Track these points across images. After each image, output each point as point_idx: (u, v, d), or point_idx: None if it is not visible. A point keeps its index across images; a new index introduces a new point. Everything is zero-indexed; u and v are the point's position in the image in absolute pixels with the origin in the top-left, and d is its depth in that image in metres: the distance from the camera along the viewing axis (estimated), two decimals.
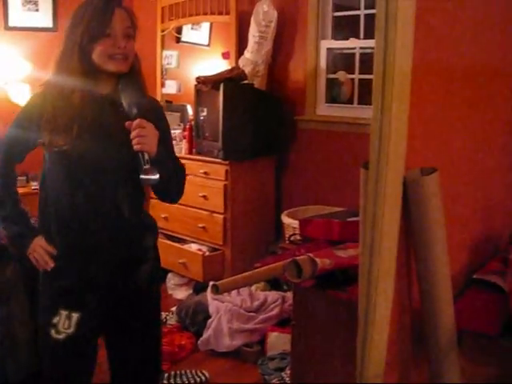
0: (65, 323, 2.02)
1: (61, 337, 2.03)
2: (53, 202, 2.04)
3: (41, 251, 2.06)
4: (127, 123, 1.88)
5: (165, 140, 2.02)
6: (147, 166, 1.84)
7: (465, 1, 1.73)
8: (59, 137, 1.92)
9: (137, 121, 1.87)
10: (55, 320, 2.02)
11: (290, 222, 3.75)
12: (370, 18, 4.10)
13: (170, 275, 4.64)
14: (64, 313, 2.02)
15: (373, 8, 3.98)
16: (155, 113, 2.08)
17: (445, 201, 1.49)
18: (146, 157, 1.85)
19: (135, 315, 2.15)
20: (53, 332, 2.03)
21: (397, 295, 1.50)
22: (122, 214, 2.03)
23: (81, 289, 2.05)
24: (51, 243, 2.06)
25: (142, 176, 1.86)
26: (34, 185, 4.45)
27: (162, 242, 4.64)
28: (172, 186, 2.10)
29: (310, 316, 2.14)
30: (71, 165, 1.97)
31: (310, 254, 1.91)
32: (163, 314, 4.05)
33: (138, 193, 2.10)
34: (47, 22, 5.10)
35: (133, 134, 1.86)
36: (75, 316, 2.02)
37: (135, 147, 1.85)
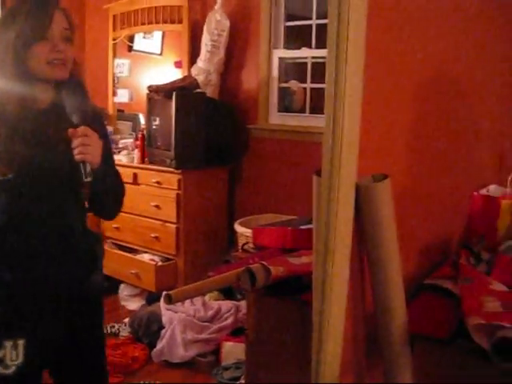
0: (12, 354, 1.81)
1: (10, 371, 1.80)
2: None
3: None
4: (70, 130, 1.72)
5: (105, 151, 1.85)
6: (88, 179, 1.73)
7: (413, 13, 1.77)
8: (1, 165, 1.73)
9: (81, 128, 1.72)
10: (0, 354, 1.80)
11: (242, 230, 3.75)
12: (321, 28, 4.15)
13: (122, 286, 4.58)
14: (9, 344, 1.80)
15: (324, 18, 4.04)
16: (98, 121, 1.95)
17: (396, 206, 1.51)
18: (88, 169, 1.72)
19: (84, 327, 1.99)
20: (0, 369, 1.80)
21: (351, 300, 1.51)
22: (71, 229, 1.89)
23: (25, 311, 1.85)
24: None
25: (84, 190, 1.78)
26: None
27: (113, 252, 4.60)
28: (111, 203, 1.99)
29: (264, 324, 2.14)
30: (15, 190, 1.78)
31: (264, 262, 1.91)
32: (116, 326, 4.00)
33: (82, 204, 1.95)
34: None
35: (75, 142, 1.72)
36: (21, 343, 1.81)
37: (77, 157, 1.71)
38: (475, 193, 2.23)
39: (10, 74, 1.76)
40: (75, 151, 1.71)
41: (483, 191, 2.28)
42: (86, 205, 1.97)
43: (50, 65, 1.76)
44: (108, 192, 1.91)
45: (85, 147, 1.72)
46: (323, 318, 1.46)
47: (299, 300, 1.90)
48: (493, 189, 2.33)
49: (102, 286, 2.12)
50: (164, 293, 2.23)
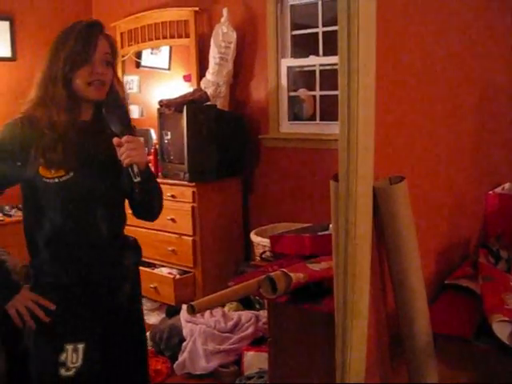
0: (72, 358, 1.95)
1: (71, 373, 1.95)
2: (42, 231, 1.98)
3: (32, 306, 1.95)
4: (115, 140, 1.90)
5: None
6: (138, 179, 1.87)
7: (426, 5, 1.78)
8: (55, 168, 1.91)
9: (124, 137, 1.89)
10: (63, 357, 1.94)
11: (259, 240, 3.76)
12: (328, 36, 4.17)
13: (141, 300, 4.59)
14: (70, 347, 1.95)
15: (331, 25, 4.06)
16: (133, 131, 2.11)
17: (414, 208, 1.52)
18: (136, 169, 1.87)
19: (118, 335, 2.11)
20: (62, 371, 1.94)
21: (373, 303, 1.52)
22: (112, 234, 2.05)
23: (83, 314, 2.01)
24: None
25: (134, 190, 1.91)
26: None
27: None
28: (156, 202, 2.14)
29: (286, 331, 2.15)
30: (63, 194, 1.95)
31: (284, 269, 1.92)
32: None
33: (120, 213, 2.13)
34: (6, 51, 5.06)
35: (122, 149, 1.88)
36: (81, 347, 1.96)
37: (125, 161, 1.87)
38: (491, 192, 2.23)
39: (59, 92, 1.94)
40: (122, 157, 1.88)
41: (498, 190, 2.28)
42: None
43: (89, 86, 1.95)
44: (155, 191, 2.10)
45: (131, 151, 1.87)
46: (346, 323, 1.46)
47: (322, 305, 1.91)
48: (508, 187, 2.33)
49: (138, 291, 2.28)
50: (183, 306, 2.25)
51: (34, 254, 2.04)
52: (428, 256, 1.79)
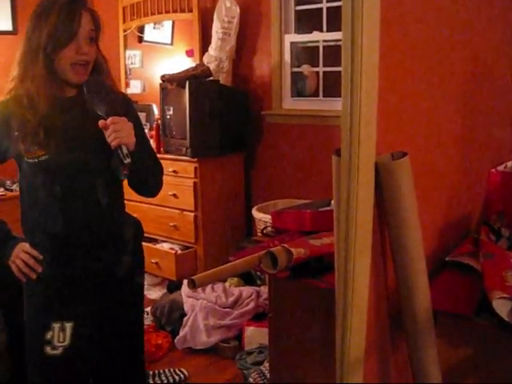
0: (60, 336, 1.94)
1: (57, 352, 1.94)
2: (35, 209, 1.98)
3: (25, 257, 1.98)
4: (100, 122, 1.84)
5: (138, 134, 1.97)
6: (128, 160, 1.83)
7: None
8: (37, 147, 1.88)
9: (109, 119, 1.84)
10: (49, 335, 1.94)
11: (261, 216, 3.77)
12: (332, 11, 4.14)
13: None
14: (57, 325, 1.94)
15: (335, 1, 4.02)
16: (125, 107, 2.06)
17: (415, 184, 1.52)
18: (125, 150, 1.83)
19: (116, 309, 2.10)
20: (48, 349, 1.94)
21: (373, 279, 1.52)
22: (104, 212, 2.01)
23: (70, 295, 1.99)
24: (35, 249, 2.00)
25: (123, 172, 1.85)
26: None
27: None
28: (151, 179, 2.11)
29: (287, 307, 2.15)
30: (51, 172, 1.92)
31: (285, 245, 1.92)
32: None
33: (117, 189, 2.09)
34: (7, 24, 5.02)
35: (108, 132, 1.83)
36: (69, 326, 1.95)
37: (113, 143, 1.83)
38: (493, 170, 2.22)
39: (39, 73, 1.87)
40: (110, 139, 1.83)
41: (501, 168, 2.27)
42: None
43: (73, 67, 1.89)
44: (147, 170, 2.04)
45: (117, 132, 1.83)
46: (346, 297, 1.47)
47: (322, 281, 1.91)
48: (511, 165, 2.32)
49: (137, 269, 2.21)
50: (185, 280, 2.25)
51: (26, 230, 2.05)
52: (430, 232, 1.78)
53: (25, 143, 1.88)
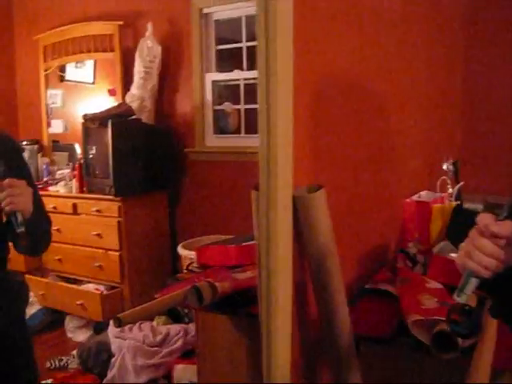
0: None
1: None
2: None
3: None
4: None
5: (30, 185, 1.77)
6: (22, 229, 1.66)
7: (336, 28, 1.86)
8: None
9: (6, 181, 1.66)
10: None
11: (186, 253, 3.76)
12: (252, 50, 4.24)
13: (68, 318, 4.53)
14: None
15: (254, 40, 4.13)
16: (13, 153, 1.87)
17: (333, 216, 1.58)
18: (20, 218, 1.66)
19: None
20: None
21: (296, 308, 1.56)
22: None
23: None
24: None
25: (22, 243, 1.72)
26: None
27: (57, 284, 4.55)
28: (42, 243, 1.93)
29: (214, 340, 2.17)
30: None
31: (210, 279, 1.95)
32: (64, 359, 3.95)
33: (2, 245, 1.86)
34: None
35: (3, 194, 1.65)
36: None
37: (7, 208, 1.65)
38: (408, 199, 2.33)
39: None
40: (4, 203, 1.66)
41: (415, 197, 2.38)
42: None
43: None
44: (40, 234, 1.86)
45: (14, 197, 1.66)
46: (271, 328, 1.50)
47: (247, 313, 1.95)
48: (424, 194, 2.44)
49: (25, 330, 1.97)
50: (111, 321, 2.20)
51: None
52: (348, 262, 1.85)
53: None
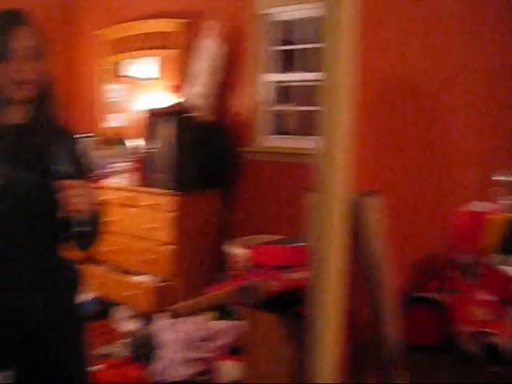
0: None
1: None
2: None
3: None
4: (58, 183, 1.68)
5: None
6: (77, 229, 1.69)
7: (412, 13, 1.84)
8: None
9: (67, 182, 1.68)
10: None
11: (237, 251, 3.79)
12: (313, 52, 4.24)
13: (120, 308, 4.62)
14: None
15: (316, 42, 4.13)
16: (73, 147, 1.90)
17: (387, 222, 1.58)
18: (77, 219, 1.68)
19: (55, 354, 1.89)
20: None
21: (347, 312, 1.57)
22: (39, 257, 1.83)
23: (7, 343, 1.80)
24: None
25: (73, 239, 1.76)
26: None
27: (110, 274, 4.64)
28: (92, 241, 1.93)
29: (261, 339, 2.19)
30: None
31: (260, 278, 1.96)
32: (113, 347, 4.02)
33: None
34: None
35: (63, 194, 1.68)
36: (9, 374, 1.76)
37: (65, 209, 1.68)
38: (460, 209, 2.30)
39: None
40: (63, 203, 1.68)
41: (468, 207, 2.35)
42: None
43: (15, 85, 1.75)
44: (92, 234, 1.86)
45: (72, 198, 1.68)
46: (319, 327, 1.51)
47: (295, 313, 1.96)
48: (477, 204, 2.40)
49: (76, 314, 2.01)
50: (163, 313, 2.24)
51: None
52: (399, 269, 1.84)
53: None
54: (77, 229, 1.69)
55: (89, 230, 1.74)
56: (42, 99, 1.83)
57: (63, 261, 1.95)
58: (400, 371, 1.60)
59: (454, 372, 1.62)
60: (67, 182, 1.68)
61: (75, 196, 1.68)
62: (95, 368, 3.64)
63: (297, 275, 2.07)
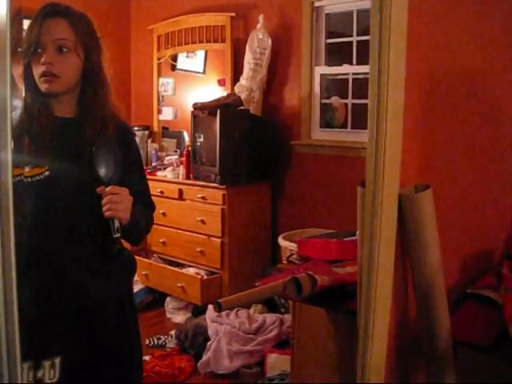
0: (50, 374, 1.77)
1: None
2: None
3: None
4: (99, 189, 1.71)
5: (135, 171, 1.90)
6: (117, 235, 1.71)
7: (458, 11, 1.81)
8: (35, 165, 1.74)
9: (109, 188, 1.70)
10: (40, 374, 1.75)
11: (286, 244, 3.79)
12: (362, 45, 4.21)
13: (168, 299, 4.68)
14: (47, 363, 1.76)
15: (365, 35, 4.10)
16: (124, 142, 1.90)
17: (438, 217, 1.56)
18: (117, 224, 1.70)
19: (107, 340, 1.91)
20: None
21: (395, 308, 1.56)
22: (94, 241, 1.84)
23: (58, 330, 1.81)
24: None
25: (115, 245, 1.78)
26: None
27: (159, 266, 4.71)
28: (140, 238, 1.99)
29: (310, 333, 2.19)
30: (45, 192, 1.77)
31: (310, 272, 1.96)
32: (162, 338, 4.09)
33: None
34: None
35: (104, 200, 1.70)
36: (57, 361, 1.78)
37: (106, 214, 1.69)
38: None
39: (25, 89, 1.79)
40: (104, 208, 1.70)
41: None
42: None
43: (41, 78, 1.74)
44: (137, 233, 1.91)
45: (113, 204, 1.70)
46: (368, 326, 1.51)
47: (344, 308, 1.95)
48: None
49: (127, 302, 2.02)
50: (212, 304, 2.24)
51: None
52: (451, 265, 1.82)
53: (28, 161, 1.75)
54: (115, 235, 1.71)
55: (128, 235, 1.77)
56: (84, 94, 1.83)
57: (118, 249, 1.93)
58: (449, 371, 1.58)
59: (505, 372, 1.59)
60: (108, 188, 1.71)
61: (113, 203, 1.69)
62: (144, 358, 3.72)
63: (347, 270, 2.06)
